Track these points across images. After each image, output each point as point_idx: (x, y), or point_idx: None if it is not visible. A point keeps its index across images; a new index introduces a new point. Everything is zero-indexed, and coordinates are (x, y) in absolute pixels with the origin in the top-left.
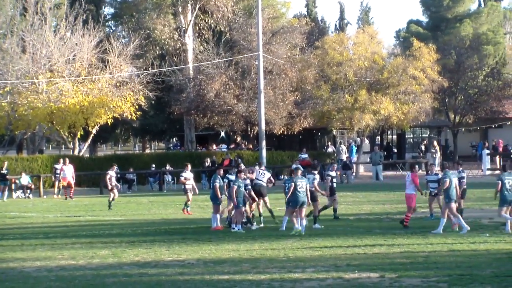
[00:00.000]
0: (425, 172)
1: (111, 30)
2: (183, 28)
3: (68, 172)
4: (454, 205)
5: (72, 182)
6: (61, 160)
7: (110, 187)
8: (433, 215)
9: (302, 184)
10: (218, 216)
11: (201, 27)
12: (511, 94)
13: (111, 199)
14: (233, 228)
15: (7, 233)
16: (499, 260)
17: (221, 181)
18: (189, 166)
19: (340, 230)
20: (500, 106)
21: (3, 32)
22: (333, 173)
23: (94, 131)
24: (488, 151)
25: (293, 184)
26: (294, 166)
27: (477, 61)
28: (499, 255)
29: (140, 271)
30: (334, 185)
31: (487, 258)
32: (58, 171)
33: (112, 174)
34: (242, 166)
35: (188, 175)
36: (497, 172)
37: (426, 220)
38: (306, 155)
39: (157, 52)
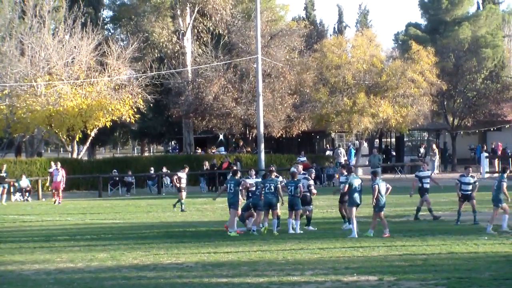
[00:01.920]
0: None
1: (110, 33)
2: (182, 31)
3: (57, 176)
4: (354, 209)
5: (61, 187)
6: (52, 164)
7: (181, 188)
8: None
9: (270, 186)
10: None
11: (199, 30)
12: (509, 97)
13: (182, 200)
14: (253, 230)
15: (5, 236)
16: (498, 263)
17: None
18: (254, 171)
19: (338, 233)
20: (498, 109)
21: (1, 35)
22: (424, 173)
23: (92, 134)
24: (486, 154)
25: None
26: (292, 169)
27: (475, 64)
28: (498, 258)
29: (138, 274)
30: (425, 185)
31: (485, 261)
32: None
33: (182, 175)
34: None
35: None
36: (496, 175)
37: (456, 225)
38: (305, 158)
39: (156, 55)
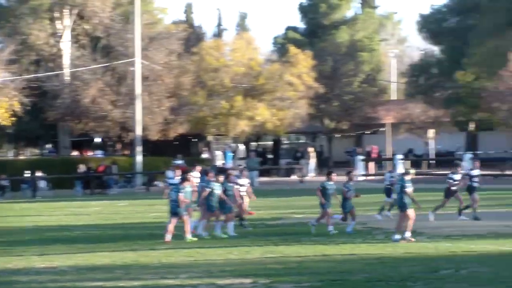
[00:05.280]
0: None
1: None
2: (60, 34)
3: None
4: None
5: None
6: None
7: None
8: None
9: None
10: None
11: (78, 33)
12: (385, 101)
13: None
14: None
15: None
16: (371, 264)
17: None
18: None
19: (214, 237)
20: (374, 112)
21: None
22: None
23: None
24: (361, 157)
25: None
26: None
27: (353, 68)
28: (371, 260)
29: (11, 278)
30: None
31: (360, 263)
32: None
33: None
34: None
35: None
36: (370, 178)
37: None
38: (181, 161)
39: (33, 58)
